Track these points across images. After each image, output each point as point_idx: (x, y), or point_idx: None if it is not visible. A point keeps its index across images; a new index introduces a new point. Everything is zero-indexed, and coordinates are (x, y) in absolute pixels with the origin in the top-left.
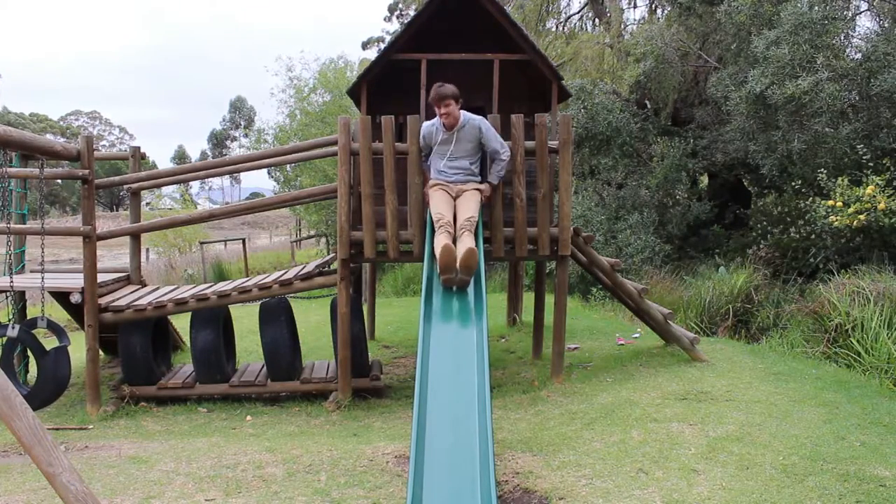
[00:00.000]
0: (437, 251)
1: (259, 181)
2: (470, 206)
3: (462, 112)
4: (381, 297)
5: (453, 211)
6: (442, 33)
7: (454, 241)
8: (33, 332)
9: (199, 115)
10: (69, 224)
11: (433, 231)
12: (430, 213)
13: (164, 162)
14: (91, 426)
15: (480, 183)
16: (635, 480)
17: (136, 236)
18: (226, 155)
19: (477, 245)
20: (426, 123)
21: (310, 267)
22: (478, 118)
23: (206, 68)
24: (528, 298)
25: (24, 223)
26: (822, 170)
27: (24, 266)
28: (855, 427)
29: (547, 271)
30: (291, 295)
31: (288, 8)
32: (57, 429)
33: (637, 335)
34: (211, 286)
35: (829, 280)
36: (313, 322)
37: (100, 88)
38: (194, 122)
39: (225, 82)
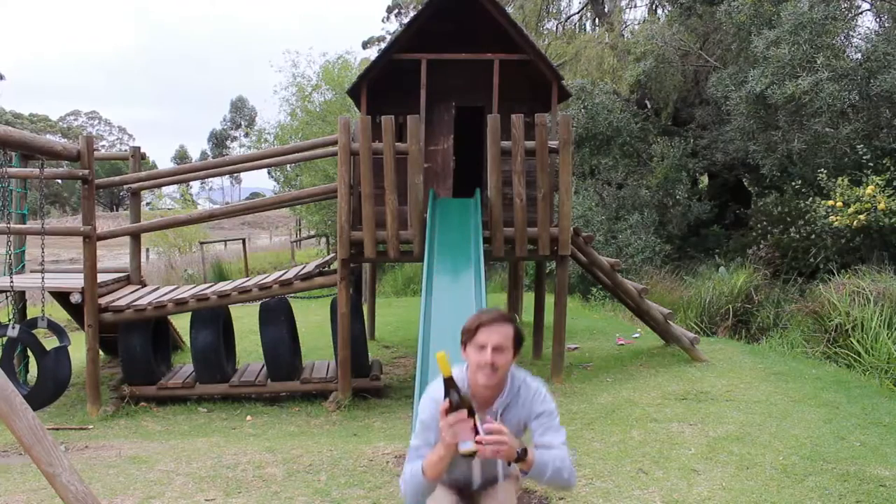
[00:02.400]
0: None
1: (259, 181)
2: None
3: (514, 367)
4: (381, 297)
5: None
6: (442, 33)
7: None
8: (34, 332)
9: (199, 115)
10: (69, 224)
11: None
12: None
13: (164, 162)
14: (91, 426)
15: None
16: (635, 480)
17: (136, 236)
18: (226, 155)
19: None
20: (428, 399)
21: (310, 267)
22: (536, 382)
23: (207, 68)
24: (528, 298)
25: (24, 223)
26: (822, 170)
27: (24, 266)
28: (855, 427)
29: (547, 271)
30: (291, 295)
31: (289, 7)
32: (57, 429)
33: (637, 335)
34: (211, 286)
35: (829, 280)
36: (313, 322)
37: (99, 88)
38: (194, 122)
39: (225, 82)
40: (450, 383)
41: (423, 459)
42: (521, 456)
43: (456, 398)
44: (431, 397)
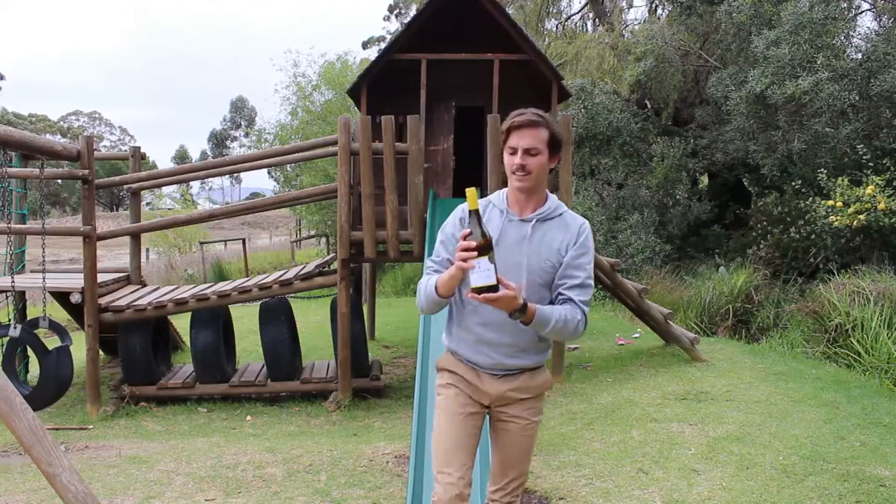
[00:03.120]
0: None
1: (259, 181)
2: (522, 452)
3: (551, 196)
4: (381, 297)
5: (475, 448)
6: (442, 33)
7: None
8: (35, 331)
9: (199, 115)
10: (69, 224)
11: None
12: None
13: (164, 162)
14: (91, 426)
15: (541, 361)
16: (635, 480)
17: (136, 236)
18: (226, 155)
19: None
20: (456, 211)
21: (310, 267)
22: (583, 219)
23: (207, 68)
24: None
25: (24, 223)
26: (822, 170)
27: (24, 266)
28: (855, 427)
29: None
30: (291, 295)
31: (289, 7)
32: (57, 429)
33: (637, 335)
34: (211, 286)
35: (829, 280)
36: (313, 322)
37: (99, 89)
38: (194, 122)
39: (225, 82)
40: (474, 216)
41: (437, 275)
42: (522, 309)
43: (478, 232)
44: (461, 208)
